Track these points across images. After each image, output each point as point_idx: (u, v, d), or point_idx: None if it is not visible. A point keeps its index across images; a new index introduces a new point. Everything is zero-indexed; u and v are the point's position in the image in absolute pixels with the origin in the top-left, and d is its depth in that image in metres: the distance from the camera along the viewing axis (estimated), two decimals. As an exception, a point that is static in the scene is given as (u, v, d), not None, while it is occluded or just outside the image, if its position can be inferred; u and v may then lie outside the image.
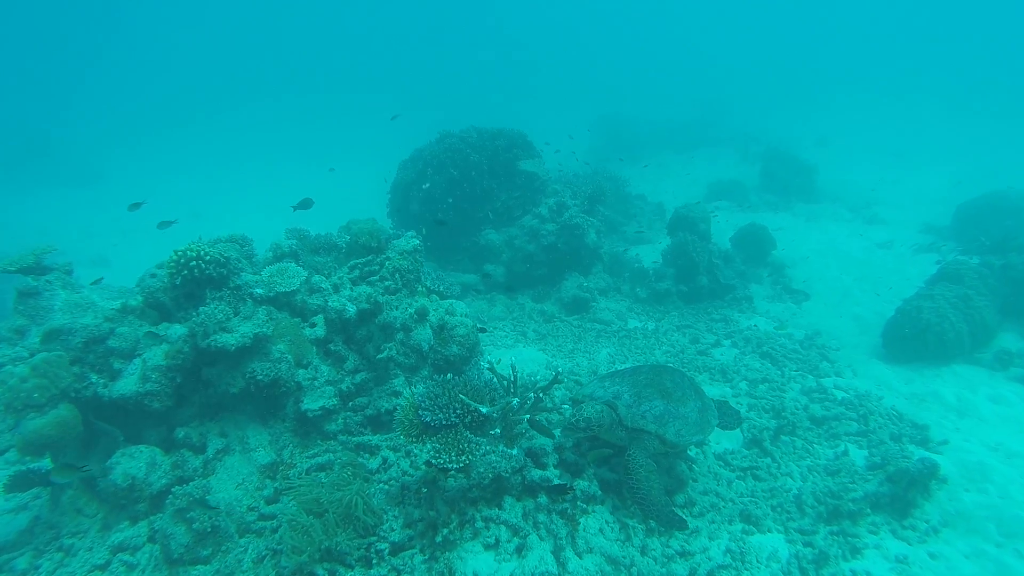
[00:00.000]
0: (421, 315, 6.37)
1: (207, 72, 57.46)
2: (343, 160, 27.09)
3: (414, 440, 4.70)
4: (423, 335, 6.33)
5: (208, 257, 5.63)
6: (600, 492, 5.21)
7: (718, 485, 6.05)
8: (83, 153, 34.62)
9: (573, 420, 5.01)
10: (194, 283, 5.72)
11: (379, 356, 6.19)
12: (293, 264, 6.55)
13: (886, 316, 9.94)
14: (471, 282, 12.66)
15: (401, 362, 6.31)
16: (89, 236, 24.31)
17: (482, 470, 4.47)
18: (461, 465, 4.33)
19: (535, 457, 4.92)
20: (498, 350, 10.30)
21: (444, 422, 4.54)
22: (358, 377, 6.30)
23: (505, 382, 4.90)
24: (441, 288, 7.79)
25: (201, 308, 5.32)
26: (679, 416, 5.34)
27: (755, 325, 10.62)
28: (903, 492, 5.75)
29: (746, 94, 39.22)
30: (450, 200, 13.10)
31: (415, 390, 4.81)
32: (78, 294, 5.50)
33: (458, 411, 4.61)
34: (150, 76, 55.82)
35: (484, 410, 4.42)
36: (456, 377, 4.86)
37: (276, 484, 5.38)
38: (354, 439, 6.00)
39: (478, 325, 6.76)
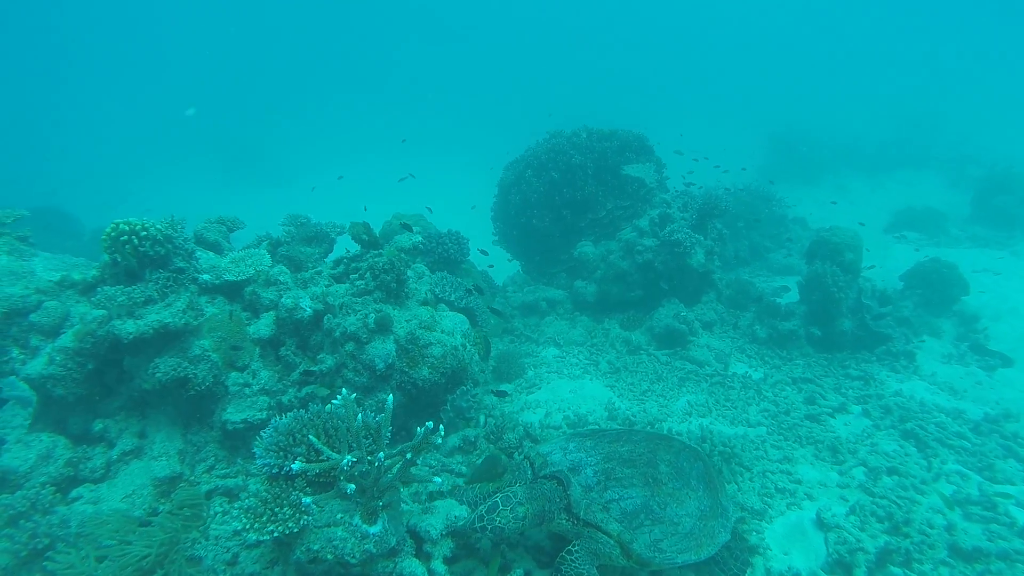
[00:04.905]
0: (382, 325, 5.11)
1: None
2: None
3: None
4: (379, 350, 5.06)
5: (144, 234, 4.98)
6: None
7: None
8: (281, 158, 39.43)
9: (479, 523, 3.45)
10: (135, 262, 5.11)
11: (313, 368, 5.05)
12: (263, 251, 5.72)
13: None
14: (557, 298, 11.22)
15: (351, 379, 5.11)
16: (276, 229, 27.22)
17: (316, 548, 3.08)
18: (267, 537, 2.98)
19: (419, 542, 3.39)
20: (560, 379, 8.77)
21: (277, 471, 3.24)
22: (304, 390, 5.23)
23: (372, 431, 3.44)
24: (452, 298, 6.47)
25: (101, 288, 4.65)
26: (663, 520, 3.44)
27: (906, 391, 7.68)
28: None
29: (966, 106, 32.03)
30: (544, 204, 11.78)
31: (279, 421, 3.58)
32: (22, 261, 5.18)
33: (302, 457, 3.27)
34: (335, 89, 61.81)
35: (296, 467, 3.02)
36: (320, 408, 3.53)
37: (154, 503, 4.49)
38: (278, 465, 4.92)
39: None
